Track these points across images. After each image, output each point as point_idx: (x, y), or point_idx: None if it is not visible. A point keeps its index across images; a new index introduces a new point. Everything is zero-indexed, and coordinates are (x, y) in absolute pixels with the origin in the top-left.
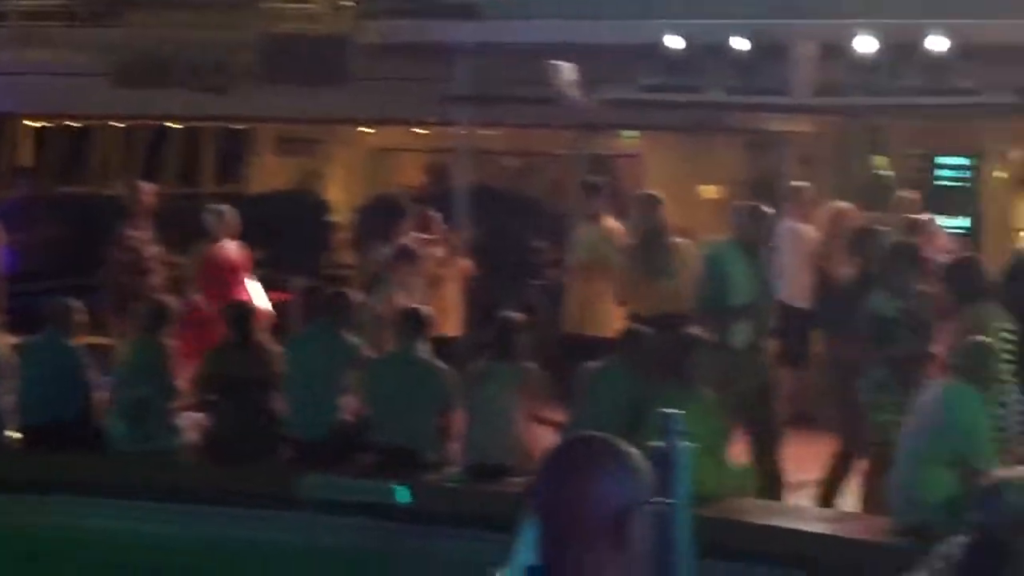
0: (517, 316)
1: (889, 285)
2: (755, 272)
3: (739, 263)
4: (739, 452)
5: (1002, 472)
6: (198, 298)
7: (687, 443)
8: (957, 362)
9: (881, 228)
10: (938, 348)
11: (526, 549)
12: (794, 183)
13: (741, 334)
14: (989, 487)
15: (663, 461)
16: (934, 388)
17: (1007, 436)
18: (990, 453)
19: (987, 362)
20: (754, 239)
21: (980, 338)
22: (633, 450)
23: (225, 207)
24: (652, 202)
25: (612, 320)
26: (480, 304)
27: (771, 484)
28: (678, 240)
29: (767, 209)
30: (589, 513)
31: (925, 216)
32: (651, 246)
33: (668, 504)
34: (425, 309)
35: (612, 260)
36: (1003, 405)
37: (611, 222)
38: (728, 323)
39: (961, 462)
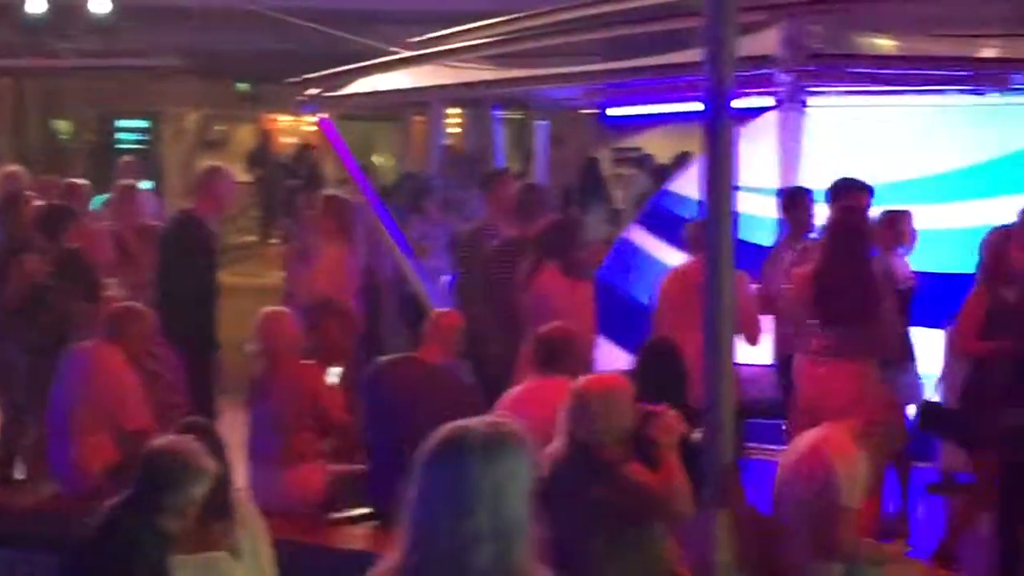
0: None
1: (33, 248)
2: None
3: None
4: None
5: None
6: None
7: None
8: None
9: (31, 193)
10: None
11: None
12: None
13: None
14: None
15: None
16: (77, 352)
17: None
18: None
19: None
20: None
21: (129, 303)
22: None
23: None
24: None
25: None
26: None
27: None
28: None
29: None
30: None
31: (137, 182)
32: None
33: None
34: None
35: None
36: None
37: None
38: None
39: (113, 424)
